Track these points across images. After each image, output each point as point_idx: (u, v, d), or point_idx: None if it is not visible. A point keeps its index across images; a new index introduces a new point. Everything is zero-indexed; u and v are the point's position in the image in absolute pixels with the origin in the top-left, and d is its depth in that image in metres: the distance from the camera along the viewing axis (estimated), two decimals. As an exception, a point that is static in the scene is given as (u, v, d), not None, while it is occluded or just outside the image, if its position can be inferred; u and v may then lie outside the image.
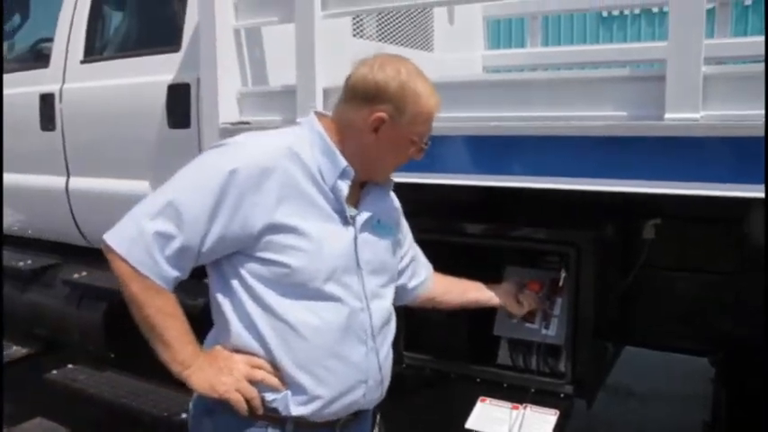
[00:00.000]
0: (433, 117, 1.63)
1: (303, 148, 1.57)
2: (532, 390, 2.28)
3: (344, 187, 1.58)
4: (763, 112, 1.69)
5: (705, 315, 2.51)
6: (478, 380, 2.40)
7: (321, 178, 1.56)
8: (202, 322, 1.67)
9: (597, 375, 2.50)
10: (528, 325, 2.29)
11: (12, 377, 3.81)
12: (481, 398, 2.21)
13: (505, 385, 2.33)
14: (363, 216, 1.64)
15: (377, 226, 1.69)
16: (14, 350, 3.98)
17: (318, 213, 1.56)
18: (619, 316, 2.63)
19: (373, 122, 1.56)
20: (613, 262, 2.49)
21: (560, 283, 2.24)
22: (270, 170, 1.50)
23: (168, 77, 3.03)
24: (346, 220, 1.61)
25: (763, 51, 2.22)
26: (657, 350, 2.84)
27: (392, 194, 1.81)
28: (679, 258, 2.55)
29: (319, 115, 1.66)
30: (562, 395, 2.26)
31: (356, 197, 1.66)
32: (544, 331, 2.27)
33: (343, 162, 1.57)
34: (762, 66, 1.73)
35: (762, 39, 3.23)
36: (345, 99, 1.61)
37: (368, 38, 3.35)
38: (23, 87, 3.76)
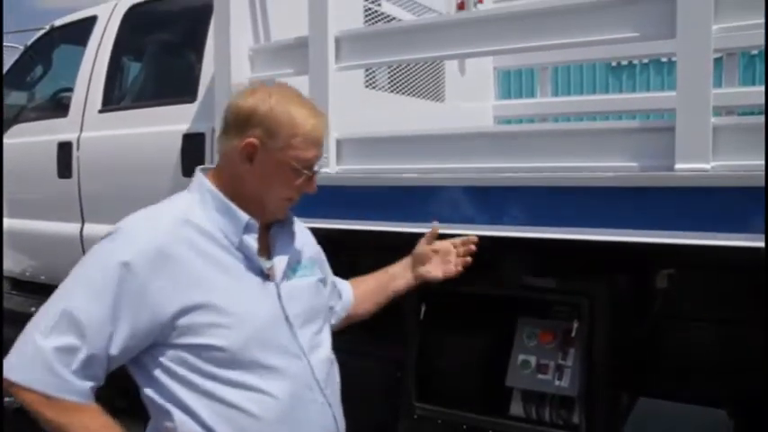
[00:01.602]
0: (313, 141, 1.50)
1: (197, 214, 1.46)
2: (546, 442, 2.24)
3: (252, 242, 1.47)
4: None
5: (722, 365, 2.47)
6: (491, 431, 2.37)
7: (225, 239, 1.45)
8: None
9: (612, 427, 2.45)
10: (541, 376, 2.26)
11: (21, 424, 3.78)
12: (494, 450, 2.18)
13: (518, 437, 2.29)
14: (280, 264, 1.53)
15: (297, 269, 1.58)
16: (24, 397, 3.95)
17: (232, 279, 1.44)
18: (633, 366, 2.59)
19: (244, 150, 1.45)
20: (627, 312, 2.47)
21: (573, 334, 2.23)
22: (168, 249, 1.38)
23: (183, 127, 3.09)
24: (263, 276, 1.49)
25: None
26: (674, 401, 2.79)
27: (300, 228, 1.68)
28: (694, 308, 2.53)
29: (205, 170, 1.57)
30: (576, 448, 2.22)
31: (265, 245, 1.54)
32: (557, 382, 2.24)
33: (245, 216, 1.46)
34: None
35: (770, 89, 3.25)
36: (222, 133, 1.52)
37: (380, 89, 3.41)
38: (43, 136, 3.85)
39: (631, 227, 1.90)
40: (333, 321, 1.82)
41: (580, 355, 2.23)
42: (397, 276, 1.99)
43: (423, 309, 2.46)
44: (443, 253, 1.99)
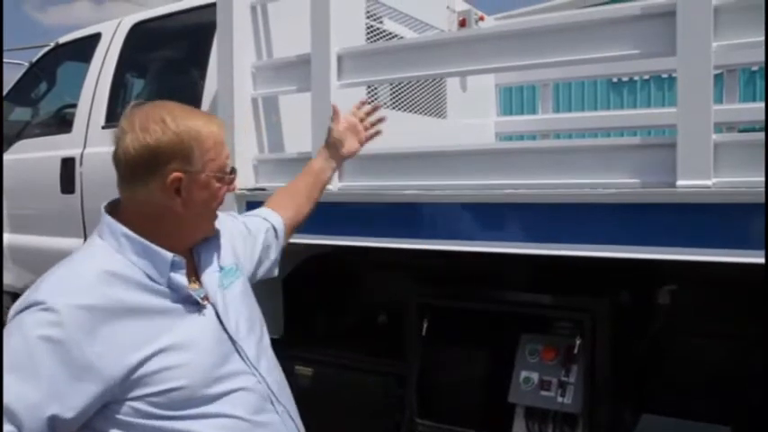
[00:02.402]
0: (222, 143, 1.47)
1: (116, 263, 1.37)
2: (549, 460, 2.23)
3: (181, 279, 1.41)
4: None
5: (726, 380, 2.46)
6: (493, 449, 2.36)
7: (152, 282, 1.38)
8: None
9: (615, 445, 2.44)
10: (543, 393, 2.25)
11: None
12: (496, 468, 2.16)
13: (521, 455, 2.28)
14: (212, 284, 1.50)
15: (224, 277, 1.54)
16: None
17: (169, 319, 1.38)
18: (636, 382, 2.58)
19: (171, 187, 1.38)
20: (629, 328, 2.46)
21: (575, 350, 2.22)
22: (95, 312, 1.28)
23: (186, 143, 3.09)
24: (198, 304, 1.44)
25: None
26: (677, 417, 2.78)
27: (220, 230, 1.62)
28: (696, 324, 2.52)
29: (112, 207, 1.46)
30: (579, 466, 2.21)
31: (192, 268, 1.49)
32: (560, 399, 2.23)
33: (168, 255, 1.38)
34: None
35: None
36: (126, 179, 1.41)
37: (382, 106, 3.42)
38: (46, 152, 3.87)
39: (633, 243, 1.90)
40: (279, 247, 1.89)
41: (583, 371, 2.22)
42: (323, 169, 2.07)
43: (425, 325, 2.46)
44: (352, 126, 2.10)
